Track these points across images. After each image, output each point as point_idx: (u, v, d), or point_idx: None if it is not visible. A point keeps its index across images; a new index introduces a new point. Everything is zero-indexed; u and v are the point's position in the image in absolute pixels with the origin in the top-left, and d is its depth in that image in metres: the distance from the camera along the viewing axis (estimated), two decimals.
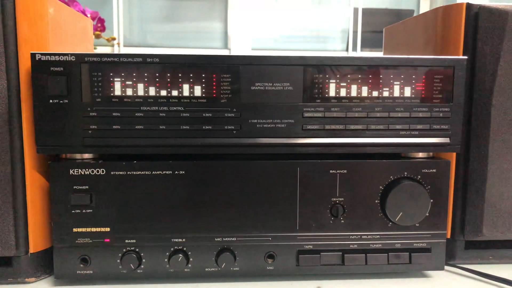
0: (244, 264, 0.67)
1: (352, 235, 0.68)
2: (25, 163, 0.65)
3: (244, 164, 0.66)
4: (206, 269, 0.67)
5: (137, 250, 0.66)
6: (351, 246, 0.68)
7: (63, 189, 0.64)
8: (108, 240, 0.65)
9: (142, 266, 0.66)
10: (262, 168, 0.66)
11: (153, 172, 0.65)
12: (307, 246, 0.67)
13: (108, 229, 0.65)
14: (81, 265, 0.66)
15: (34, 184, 0.66)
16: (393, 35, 1.00)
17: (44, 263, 0.68)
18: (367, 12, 4.12)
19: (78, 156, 0.66)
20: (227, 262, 0.66)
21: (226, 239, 0.67)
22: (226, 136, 0.65)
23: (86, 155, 0.66)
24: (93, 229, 0.65)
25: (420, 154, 0.70)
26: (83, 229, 0.65)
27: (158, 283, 0.67)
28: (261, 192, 0.66)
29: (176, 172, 0.65)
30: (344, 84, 0.66)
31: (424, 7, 4.16)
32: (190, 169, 0.65)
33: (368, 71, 0.65)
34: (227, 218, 0.66)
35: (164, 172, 0.65)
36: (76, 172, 0.64)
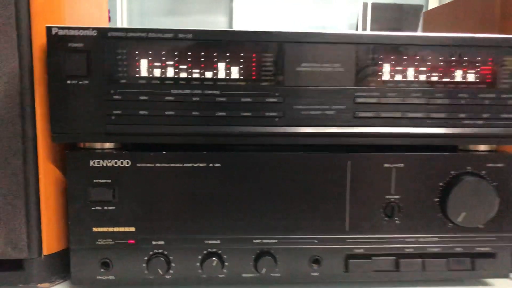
0: (286, 269, 0.59)
1: (408, 237, 0.60)
2: (38, 154, 0.57)
3: (287, 156, 0.58)
4: (243, 275, 0.59)
5: (165, 253, 0.58)
6: (406, 250, 0.60)
7: (82, 182, 0.56)
8: (132, 241, 0.58)
9: (171, 271, 0.58)
10: (307, 161, 0.58)
11: (185, 165, 0.57)
12: (357, 250, 0.60)
13: (133, 229, 0.57)
14: (102, 270, 0.58)
15: (49, 177, 0.58)
16: (433, 19, 0.92)
17: (59, 267, 0.61)
18: (375, 7, 4.03)
19: (98, 145, 0.58)
20: (267, 267, 0.58)
21: (266, 241, 0.59)
22: (267, 124, 0.57)
23: (108, 145, 0.58)
24: (116, 229, 0.57)
25: (482, 147, 0.62)
26: (105, 229, 0.57)
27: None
28: (306, 189, 0.58)
29: (211, 165, 0.57)
30: (402, 66, 0.58)
31: (433, 3, 4.07)
32: (226, 161, 0.57)
33: (429, 52, 0.57)
34: (268, 218, 0.58)
35: (197, 164, 0.57)
36: (97, 164, 0.56)
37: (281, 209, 0.58)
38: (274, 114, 0.57)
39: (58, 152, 0.59)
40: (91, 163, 0.56)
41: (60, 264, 0.61)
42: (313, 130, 0.57)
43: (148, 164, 0.56)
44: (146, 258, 0.58)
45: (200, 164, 0.57)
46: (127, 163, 0.56)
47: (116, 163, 0.56)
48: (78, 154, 0.56)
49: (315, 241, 0.59)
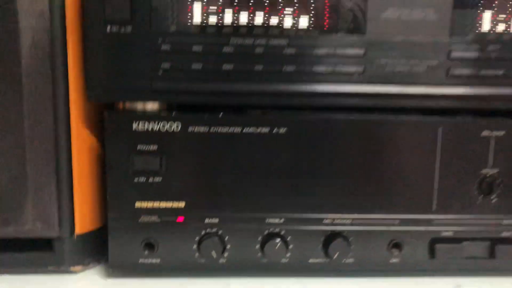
0: (361, 255, 0.50)
1: (506, 219, 0.50)
2: (70, 114, 0.48)
3: (367, 120, 0.49)
4: (310, 260, 0.50)
5: (220, 233, 0.49)
6: (503, 234, 0.51)
7: (123, 149, 0.47)
8: (182, 218, 0.49)
9: (225, 255, 0.50)
10: (390, 127, 0.49)
11: (245, 130, 0.48)
12: (445, 233, 0.50)
13: (182, 205, 0.49)
14: (146, 252, 0.49)
15: (83, 142, 0.49)
16: None
17: (94, 248, 0.52)
18: None
19: (142, 106, 0.48)
20: (340, 252, 0.49)
21: (338, 221, 0.50)
22: (344, 82, 0.47)
23: (153, 105, 0.49)
24: (163, 204, 0.49)
25: None
26: (149, 204, 0.49)
27: (246, 277, 0.51)
28: (386, 160, 0.49)
29: (275, 130, 0.48)
30: (507, 14, 0.47)
31: None
32: (294, 126, 0.48)
33: None
34: (341, 194, 0.49)
35: (259, 129, 0.48)
36: (141, 127, 0.47)
37: (357, 184, 0.49)
38: (352, 69, 0.47)
39: (93, 113, 0.50)
40: (134, 126, 0.47)
41: (95, 244, 0.52)
42: (398, 90, 0.48)
43: (202, 129, 0.47)
44: (197, 238, 0.49)
45: (263, 129, 0.48)
46: (177, 127, 0.47)
47: (163, 126, 0.47)
48: (118, 115, 0.47)
49: (396, 221, 0.50)
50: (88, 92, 0.47)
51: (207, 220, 0.49)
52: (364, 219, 0.50)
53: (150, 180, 0.48)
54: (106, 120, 0.47)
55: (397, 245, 0.50)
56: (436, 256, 0.50)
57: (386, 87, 0.47)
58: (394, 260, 0.51)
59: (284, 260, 0.50)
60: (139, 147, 0.47)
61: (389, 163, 0.49)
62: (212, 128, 0.47)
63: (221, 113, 0.48)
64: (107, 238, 0.49)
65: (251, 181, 0.48)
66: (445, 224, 0.50)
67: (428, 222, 0.50)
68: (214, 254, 0.48)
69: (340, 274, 0.51)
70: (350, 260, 0.50)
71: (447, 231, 0.50)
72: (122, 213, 0.49)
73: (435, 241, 0.50)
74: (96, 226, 0.52)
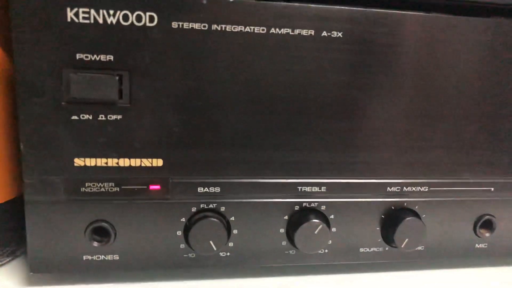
0: (435, 237, 0.33)
1: None
2: None
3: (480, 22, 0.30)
4: (361, 249, 0.32)
5: (222, 210, 0.29)
6: None
7: (48, 60, 0.25)
8: (157, 186, 0.28)
9: (231, 245, 0.30)
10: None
11: (273, 30, 0.27)
12: None
13: (158, 163, 0.28)
14: (94, 243, 0.28)
15: None
16: None
17: (2, 234, 0.31)
18: None
19: None
20: (411, 235, 0.31)
21: (407, 189, 0.31)
22: None
23: None
24: (124, 161, 0.28)
25: None
26: (99, 161, 0.27)
27: (263, 277, 0.32)
28: (483, 95, 0.31)
29: (325, 33, 0.28)
30: None
31: None
32: (351, 23, 0.28)
33: None
34: (410, 146, 0.31)
35: (296, 31, 0.27)
36: (84, 18, 0.25)
37: (437, 134, 0.31)
38: None
39: None
40: (71, 15, 0.25)
41: (3, 228, 0.31)
42: None
43: (196, 25, 0.26)
44: (184, 219, 0.29)
45: (304, 31, 0.28)
46: (151, 19, 0.26)
47: (126, 18, 0.26)
48: None
49: (491, 188, 0.33)
50: None
51: (201, 189, 0.29)
52: (442, 185, 0.32)
53: (101, 117, 0.27)
54: (15, 3, 0.25)
55: (487, 224, 0.33)
56: None
57: None
58: (480, 245, 0.34)
59: (322, 251, 0.31)
60: (80, 56, 0.26)
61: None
62: (214, 24, 0.26)
63: None
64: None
65: (274, 123, 0.29)
66: None
67: None
68: (212, 244, 0.29)
69: (403, 267, 0.34)
70: (420, 248, 0.33)
71: None
72: (49, 177, 0.27)
73: None
74: (4, 197, 0.30)
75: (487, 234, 0.33)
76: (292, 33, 0.27)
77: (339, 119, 0.29)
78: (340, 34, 0.28)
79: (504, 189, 0.33)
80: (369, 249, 0.32)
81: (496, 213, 0.33)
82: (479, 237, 0.33)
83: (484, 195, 0.33)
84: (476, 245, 0.34)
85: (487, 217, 0.33)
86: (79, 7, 0.25)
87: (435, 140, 0.31)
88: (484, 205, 0.33)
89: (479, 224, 0.33)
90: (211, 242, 0.29)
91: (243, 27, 0.27)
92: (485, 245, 0.34)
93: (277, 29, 0.27)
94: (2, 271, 0.31)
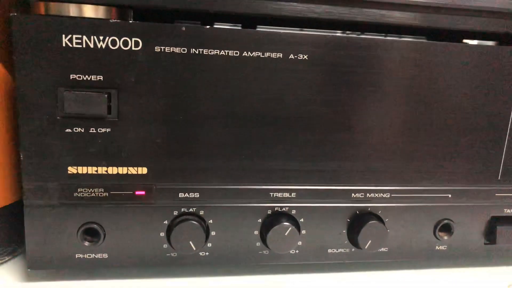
0: (397, 240, 0.36)
1: None
2: None
3: (404, 44, 0.33)
4: (330, 250, 0.35)
5: (201, 213, 0.33)
6: None
7: (45, 80, 0.29)
8: (142, 192, 0.32)
9: (209, 245, 0.33)
10: (440, 53, 0.34)
11: (246, 54, 0.31)
12: (509, 210, 0.37)
13: (143, 171, 0.31)
14: (85, 243, 0.32)
15: None
16: None
17: (3, 235, 0.34)
18: None
19: (76, 8, 0.30)
20: (372, 237, 0.34)
21: (371, 195, 0.35)
22: None
23: (96, 9, 0.30)
24: (113, 170, 0.31)
25: None
26: (91, 169, 0.31)
27: (238, 275, 0.35)
28: (440, 108, 0.34)
29: (293, 56, 0.31)
30: None
31: None
32: (315, 46, 0.31)
33: None
34: (373, 156, 0.34)
35: (266, 55, 0.31)
36: (77, 42, 0.29)
37: (398, 145, 0.34)
38: None
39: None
40: (66, 40, 0.29)
41: (5, 229, 0.34)
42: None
43: (176, 49, 0.30)
44: (166, 222, 0.32)
45: (273, 54, 0.31)
46: (136, 44, 0.29)
47: (114, 43, 0.29)
48: (37, 22, 0.28)
49: (448, 195, 0.36)
50: None
51: (181, 195, 0.32)
52: (404, 191, 0.35)
53: (92, 130, 0.30)
54: (17, 30, 0.28)
55: (446, 228, 0.36)
56: (497, 240, 0.37)
57: None
58: (440, 247, 0.37)
59: (294, 251, 0.35)
60: (73, 76, 0.29)
61: (443, 109, 0.34)
62: (193, 48, 0.30)
63: (209, 25, 0.30)
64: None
65: (248, 135, 0.32)
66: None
67: (490, 196, 0.36)
68: (192, 244, 0.32)
69: (369, 267, 0.37)
70: (384, 249, 0.36)
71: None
72: (45, 184, 0.30)
73: (496, 221, 0.37)
74: (6, 201, 0.33)
75: (446, 237, 0.36)
76: (263, 56, 0.31)
77: (307, 132, 0.32)
78: (305, 57, 0.31)
79: (461, 195, 0.36)
80: (337, 250, 0.35)
81: (454, 217, 0.36)
82: (438, 239, 0.36)
83: (442, 201, 0.36)
84: (437, 247, 0.37)
85: (445, 221, 0.36)
86: (72, 33, 0.28)
87: (395, 150, 0.34)
88: (442, 210, 0.36)
89: (438, 227, 0.36)
90: (190, 242, 0.32)
91: (218, 50, 0.30)
92: (444, 247, 0.37)
93: (248, 53, 0.30)
94: (4, 268, 0.34)
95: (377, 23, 0.32)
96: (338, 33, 0.32)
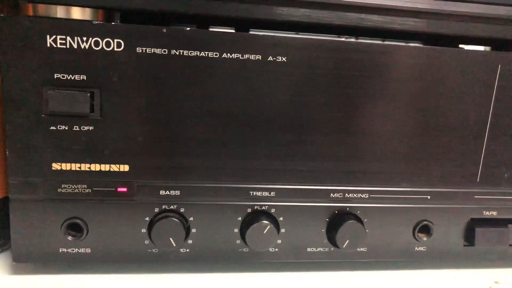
0: (376, 241, 0.36)
1: None
2: None
3: (396, 48, 0.34)
4: (309, 249, 0.36)
5: (181, 210, 0.33)
6: None
7: (30, 79, 0.30)
8: (124, 188, 0.33)
9: (190, 242, 0.34)
10: (424, 57, 0.34)
11: (226, 55, 0.31)
12: (488, 213, 0.37)
13: (125, 168, 0.32)
14: (68, 237, 0.33)
15: None
16: None
17: None
18: None
19: (62, 10, 0.31)
20: (351, 238, 0.35)
21: (349, 195, 0.35)
22: None
23: (81, 10, 0.31)
24: (95, 167, 0.32)
25: None
26: (74, 166, 0.32)
27: (218, 272, 0.36)
28: (419, 109, 0.35)
29: (272, 58, 0.32)
30: None
31: None
32: (292, 50, 0.32)
33: None
34: (353, 157, 0.35)
35: (246, 56, 0.32)
36: (62, 44, 0.30)
37: (373, 139, 0.35)
38: None
39: None
40: (50, 42, 0.30)
41: None
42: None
43: (157, 50, 0.31)
44: (148, 218, 0.33)
45: (252, 56, 0.32)
46: (118, 45, 0.30)
47: (97, 44, 0.30)
48: (23, 23, 0.30)
49: (427, 197, 0.36)
50: None
51: (162, 192, 0.33)
52: (383, 192, 0.36)
53: (75, 128, 0.31)
54: (3, 31, 0.29)
55: (425, 229, 0.37)
56: (476, 242, 0.37)
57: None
58: (419, 248, 0.37)
59: (273, 249, 0.35)
60: (58, 76, 0.30)
61: (421, 112, 0.35)
62: (173, 49, 0.31)
63: (191, 27, 0.31)
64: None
65: (228, 135, 0.33)
66: (490, 200, 0.37)
67: (468, 198, 0.37)
68: (172, 241, 0.33)
69: (349, 267, 0.37)
70: (363, 249, 0.36)
71: (491, 210, 0.37)
72: (30, 179, 0.31)
73: (474, 223, 0.37)
74: None
75: (425, 238, 0.37)
76: (242, 58, 0.31)
77: (286, 131, 0.33)
78: (284, 59, 0.32)
79: (439, 197, 0.36)
80: (316, 249, 0.36)
81: (433, 219, 0.37)
82: (418, 241, 0.37)
83: (421, 203, 0.36)
84: (416, 248, 0.37)
85: (424, 222, 0.37)
86: (57, 34, 0.29)
87: (374, 151, 0.35)
88: (421, 212, 0.36)
89: (417, 228, 0.37)
90: (171, 239, 0.33)
91: (198, 52, 0.31)
92: (424, 248, 0.37)
93: (228, 54, 0.31)
94: None
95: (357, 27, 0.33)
96: (316, 36, 0.33)
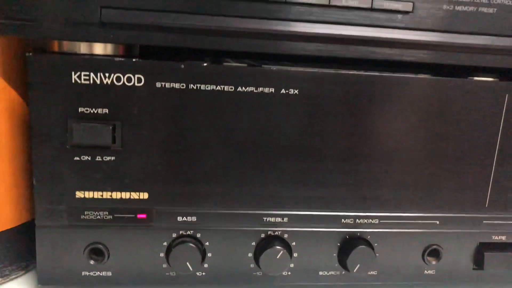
0: (386, 265, 0.37)
1: None
2: None
3: (404, 80, 0.35)
4: (321, 273, 0.37)
5: (198, 236, 0.35)
6: None
7: (56, 112, 0.32)
8: (143, 215, 0.34)
9: (206, 266, 0.35)
10: (434, 89, 0.35)
11: (240, 89, 0.33)
12: (497, 237, 0.38)
13: (144, 196, 0.34)
14: (91, 261, 0.34)
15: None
16: None
17: (18, 251, 0.37)
18: None
19: (85, 47, 0.33)
20: (361, 262, 0.36)
21: (360, 221, 0.36)
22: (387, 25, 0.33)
23: (104, 47, 0.33)
24: (117, 195, 0.34)
25: None
26: (96, 194, 0.33)
27: None
28: (429, 137, 0.36)
29: (285, 91, 0.33)
30: None
31: None
32: (306, 86, 0.34)
33: None
34: (363, 185, 0.36)
35: (259, 89, 0.33)
36: (85, 79, 0.31)
37: (381, 169, 0.36)
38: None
39: (13, 56, 0.34)
40: (75, 78, 0.31)
41: (19, 246, 0.37)
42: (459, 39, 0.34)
43: (176, 85, 0.32)
44: (166, 243, 0.35)
45: (266, 89, 0.33)
46: (139, 80, 0.32)
47: (119, 79, 0.32)
48: (50, 61, 0.31)
49: (436, 222, 0.37)
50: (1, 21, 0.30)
51: (180, 218, 0.34)
52: (392, 218, 0.37)
53: (98, 159, 0.33)
54: (31, 68, 0.31)
55: (434, 253, 0.38)
56: (484, 266, 0.38)
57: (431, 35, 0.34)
58: (429, 272, 0.38)
59: (286, 273, 0.36)
60: (82, 109, 0.32)
61: (431, 141, 0.36)
62: (191, 84, 0.32)
63: (207, 63, 0.32)
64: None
65: (243, 163, 0.34)
66: (499, 226, 0.38)
67: (477, 223, 0.38)
68: (189, 266, 0.34)
69: None
70: (373, 273, 0.37)
71: (501, 234, 0.38)
72: (55, 206, 0.33)
73: (483, 248, 0.38)
74: (19, 221, 0.36)
75: (434, 262, 0.38)
76: (256, 91, 0.33)
77: (298, 160, 0.34)
78: (296, 91, 0.33)
79: (448, 222, 0.37)
80: (328, 273, 0.37)
81: (442, 243, 0.38)
82: (427, 264, 0.38)
83: (430, 228, 0.37)
84: (425, 271, 0.38)
85: (434, 246, 0.37)
86: (81, 71, 0.31)
87: (384, 178, 0.36)
88: (430, 236, 0.37)
89: (427, 253, 0.38)
90: (187, 263, 0.34)
91: (214, 86, 0.32)
92: (433, 272, 0.38)
93: (243, 88, 0.33)
94: (16, 283, 0.37)
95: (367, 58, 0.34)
96: (326, 70, 0.34)
